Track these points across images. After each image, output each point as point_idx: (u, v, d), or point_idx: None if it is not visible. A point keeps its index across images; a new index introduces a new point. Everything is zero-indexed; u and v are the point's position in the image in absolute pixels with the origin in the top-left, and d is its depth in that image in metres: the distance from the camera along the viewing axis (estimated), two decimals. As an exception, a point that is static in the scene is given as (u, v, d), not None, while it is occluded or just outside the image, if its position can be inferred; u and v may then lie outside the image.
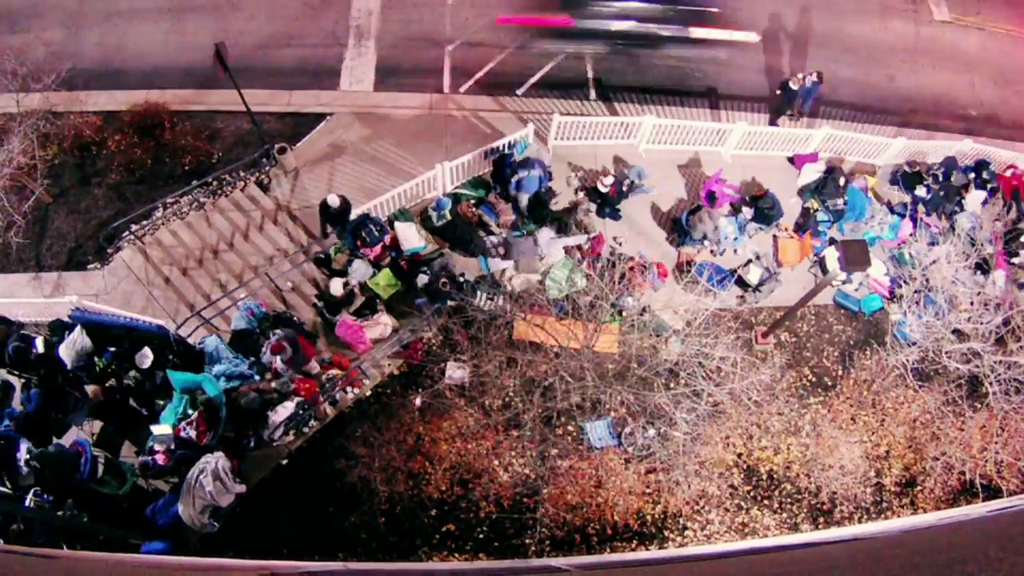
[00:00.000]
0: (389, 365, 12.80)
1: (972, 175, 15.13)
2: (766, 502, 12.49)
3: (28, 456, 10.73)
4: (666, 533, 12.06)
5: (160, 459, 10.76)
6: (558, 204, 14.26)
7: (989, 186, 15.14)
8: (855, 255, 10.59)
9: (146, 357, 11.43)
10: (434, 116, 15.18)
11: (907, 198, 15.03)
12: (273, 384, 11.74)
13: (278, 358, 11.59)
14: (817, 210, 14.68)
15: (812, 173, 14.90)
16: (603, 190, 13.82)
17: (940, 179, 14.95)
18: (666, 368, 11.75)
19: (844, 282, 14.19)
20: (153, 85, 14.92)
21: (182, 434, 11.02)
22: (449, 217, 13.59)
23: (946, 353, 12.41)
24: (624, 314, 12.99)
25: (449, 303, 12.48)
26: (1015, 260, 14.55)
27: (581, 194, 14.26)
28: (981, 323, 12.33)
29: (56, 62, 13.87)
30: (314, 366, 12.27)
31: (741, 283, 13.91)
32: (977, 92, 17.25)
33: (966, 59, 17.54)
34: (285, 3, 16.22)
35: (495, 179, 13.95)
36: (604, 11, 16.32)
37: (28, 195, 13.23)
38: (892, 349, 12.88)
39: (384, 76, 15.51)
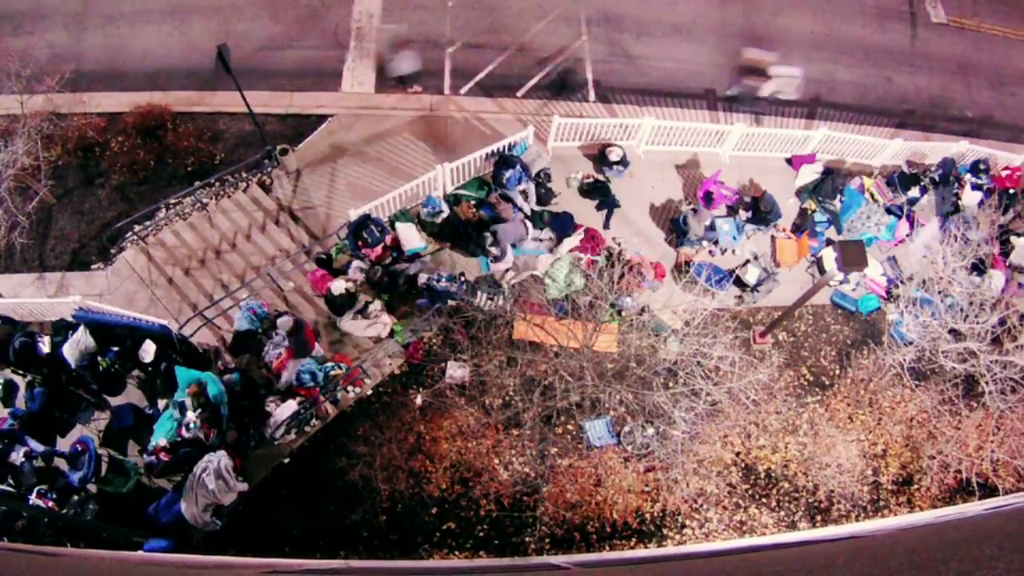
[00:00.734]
0: (390, 364, 12.89)
1: (968, 176, 15.24)
2: (764, 500, 12.57)
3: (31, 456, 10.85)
4: (665, 531, 12.14)
5: (164, 456, 10.88)
6: (559, 205, 14.36)
7: (985, 187, 15.24)
8: (852, 256, 10.68)
9: (148, 351, 11.52)
10: (435, 118, 15.28)
11: (904, 198, 15.14)
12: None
13: (282, 331, 11.72)
14: (814, 211, 14.80)
15: (810, 174, 15.01)
16: (614, 159, 14.25)
17: (937, 181, 15.05)
18: (665, 367, 11.81)
19: (841, 282, 14.29)
20: (156, 87, 15.01)
21: (185, 434, 11.11)
22: (445, 212, 13.70)
23: (943, 353, 12.49)
24: (623, 314, 13.08)
25: (450, 303, 12.58)
26: (1010, 260, 14.63)
27: (579, 174, 14.59)
28: (977, 323, 12.42)
29: (60, 64, 13.96)
30: (318, 349, 12.37)
31: (739, 283, 14.01)
32: (973, 94, 17.36)
33: (963, 61, 17.66)
34: (287, 5, 16.32)
35: (495, 180, 14.07)
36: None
37: (32, 196, 13.32)
38: (889, 349, 12.96)
39: (385, 78, 15.61)
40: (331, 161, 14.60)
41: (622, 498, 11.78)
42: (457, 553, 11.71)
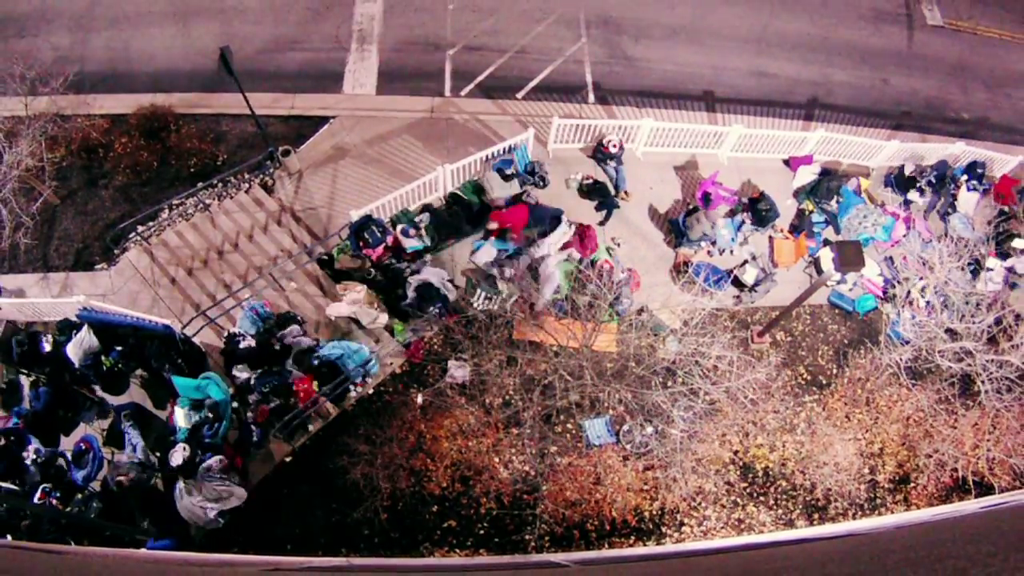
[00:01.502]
0: (391, 364, 12.99)
1: (965, 177, 15.35)
2: (762, 499, 12.66)
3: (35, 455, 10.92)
4: (663, 529, 12.22)
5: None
6: (560, 205, 14.45)
7: (981, 188, 15.35)
8: (849, 256, 10.77)
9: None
10: (435, 119, 15.40)
11: (900, 199, 15.25)
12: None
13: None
14: (812, 211, 14.90)
15: (807, 175, 15.12)
16: (613, 151, 14.38)
17: (933, 182, 15.16)
18: (663, 367, 11.90)
19: (839, 282, 14.40)
20: (159, 88, 15.14)
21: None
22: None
23: (939, 352, 12.59)
24: (621, 314, 13.17)
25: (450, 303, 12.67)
26: (1007, 262, 14.73)
27: (579, 175, 14.69)
28: (973, 323, 12.52)
29: (64, 66, 14.07)
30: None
31: (737, 283, 14.10)
32: (969, 95, 17.48)
33: (959, 63, 17.78)
34: (289, 8, 16.44)
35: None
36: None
37: (36, 197, 13.42)
38: (886, 348, 13.05)
39: (386, 80, 15.73)
40: (333, 162, 14.71)
41: (621, 496, 11.85)
42: (458, 551, 11.79)
